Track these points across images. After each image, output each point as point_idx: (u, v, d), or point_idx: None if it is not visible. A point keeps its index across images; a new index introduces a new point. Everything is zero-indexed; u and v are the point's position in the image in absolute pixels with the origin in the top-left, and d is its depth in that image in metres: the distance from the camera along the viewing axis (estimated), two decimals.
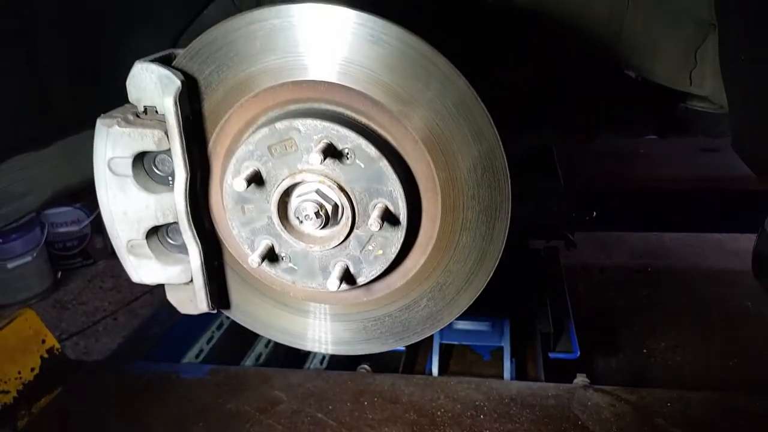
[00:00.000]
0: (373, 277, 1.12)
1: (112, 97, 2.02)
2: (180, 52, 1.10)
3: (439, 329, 1.24)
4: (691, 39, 1.68)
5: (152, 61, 1.05)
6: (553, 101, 1.93)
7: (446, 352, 3.04)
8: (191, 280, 1.16)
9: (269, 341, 3.26)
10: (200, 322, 3.30)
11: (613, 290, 4.65)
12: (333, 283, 1.08)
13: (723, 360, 3.72)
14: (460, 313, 1.20)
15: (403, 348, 3.07)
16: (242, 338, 3.26)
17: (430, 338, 3.06)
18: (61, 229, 5.85)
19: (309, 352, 3.20)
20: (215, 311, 1.22)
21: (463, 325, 2.93)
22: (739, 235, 5.32)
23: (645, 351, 3.97)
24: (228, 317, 3.40)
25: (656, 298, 4.53)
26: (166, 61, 1.07)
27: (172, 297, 1.20)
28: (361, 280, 1.13)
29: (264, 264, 1.11)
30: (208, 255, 1.14)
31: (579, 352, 3.06)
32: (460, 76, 0.99)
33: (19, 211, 1.70)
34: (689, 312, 4.31)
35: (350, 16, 0.99)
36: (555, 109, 1.97)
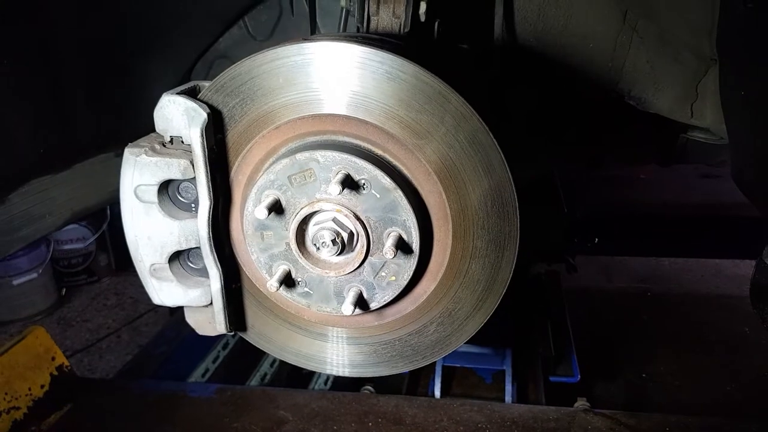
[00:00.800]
0: (385, 303, 1.16)
1: (130, 122, 2.09)
2: (204, 84, 1.15)
3: (447, 354, 1.28)
4: (693, 73, 1.74)
5: (179, 93, 1.10)
6: (557, 130, 1.99)
7: (448, 374, 3.07)
8: (210, 303, 1.20)
9: (274, 361, 3.29)
10: (206, 341, 3.33)
11: (613, 314, 4.68)
12: (348, 307, 1.12)
13: (721, 385, 3.74)
14: (468, 338, 1.24)
15: (406, 370, 3.10)
16: (247, 358, 3.29)
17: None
18: (66, 246, 5.90)
19: (313, 373, 3.23)
20: (232, 333, 1.25)
21: (465, 347, 2.96)
22: (738, 261, 5.37)
23: (644, 375, 3.99)
24: (233, 337, 3.42)
25: (655, 323, 4.57)
26: (191, 93, 1.13)
27: (191, 319, 1.24)
28: (373, 305, 1.17)
29: (281, 288, 1.15)
30: (227, 279, 1.18)
31: (579, 376, 3.08)
32: (473, 112, 1.04)
33: (38, 232, 1.75)
34: (688, 337, 4.34)
35: (368, 54, 1.04)
36: (559, 137, 2.02)
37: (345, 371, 1.30)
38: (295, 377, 3.35)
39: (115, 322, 5.38)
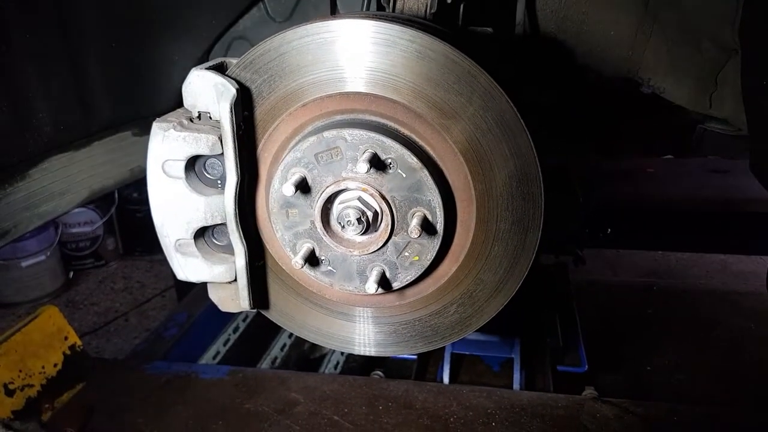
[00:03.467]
0: (407, 282, 1.17)
1: (147, 101, 2.09)
2: (232, 61, 1.15)
3: (466, 335, 1.29)
4: (713, 63, 1.73)
5: (207, 68, 1.10)
6: (575, 120, 1.99)
7: (457, 361, 3.08)
8: (234, 280, 1.21)
9: (284, 345, 3.31)
10: (217, 324, 3.35)
11: (619, 307, 4.68)
12: (371, 286, 1.13)
13: (725, 379, 3.75)
14: (488, 320, 1.25)
15: (415, 356, 3.12)
16: (257, 342, 3.32)
17: (441, 348, 3.11)
18: (74, 230, 5.93)
19: (323, 358, 3.25)
20: (254, 310, 1.26)
21: (474, 335, 2.98)
22: (744, 257, 5.36)
23: (649, 368, 4.00)
24: (243, 321, 3.43)
25: (661, 317, 4.57)
26: (219, 70, 1.13)
27: (214, 295, 1.25)
28: (396, 285, 1.17)
29: (305, 266, 1.16)
30: (251, 256, 1.19)
31: (587, 366, 3.10)
32: (502, 93, 1.04)
33: (57, 209, 1.76)
34: (693, 331, 4.35)
35: (399, 32, 1.05)
36: (576, 128, 2.02)
37: (365, 350, 1.31)
38: (305, 362, 3.38)
39: (122, 305, 5.41)
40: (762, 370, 3.84)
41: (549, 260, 3.90)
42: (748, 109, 1.54)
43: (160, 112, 2.18)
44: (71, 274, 5.96)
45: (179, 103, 2.15)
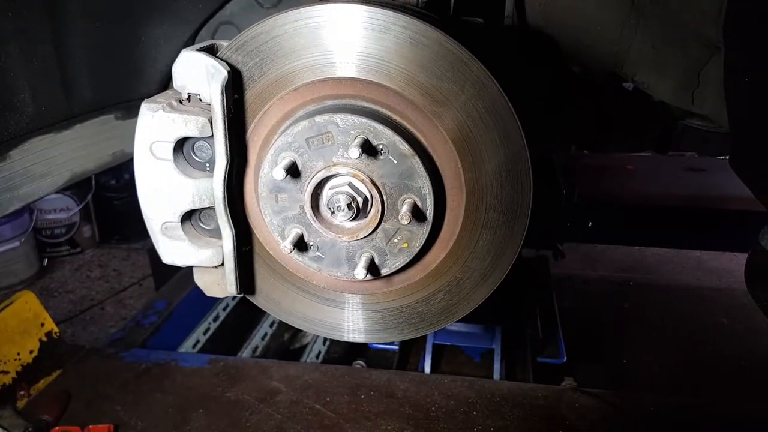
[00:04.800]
0: (396, 269, 1.17)
1: (130, 85, 2.06)
2: (222, 43, 1.14)
3: (452, 322, 1.30)
4: (697, 59, 1.76)
5: (198, 50, 1.09)
6: (561, 113, 2.00)
7: (438, 352, 3.10)
8: (220, 264, 1.20)
9: (265, 335, 3.30)
10: (197, 313, 3.32)
11: (597, 302, 4.76)
12: (360, 272, 1.13)
13: (698, 372, 3.84)
14: (475, 307, 1.26)
15: (397, 347, 3.13)
16: (238, 331, 3.30)
17: (423, 338, 3.12)
18: (50, 216, 5.82)
19: (304, 348, 3.24)
20: (241, 295, 1.26)
21: (455, 326, 3.01)
22: (718, 253, 5.47)
23: (625, 361, 4.07)
24: (224, 310, 3.40)
25: (637, 312, 4.66)
26: (210, 52, 1.12)
27: (199, 280, 1.24)
28: (384, 271, 1.18)
29: (293, 252, 1.16)
30: (238, 240, 1.18)
31: (566, 358, 3.14)
32: (494, 81, 1.05)
33: (37, 192, 1.73)
34: (668, 326, 4.44)
35: (392, 18, 1.04)
36: (562, 120, 2.04)
37: (351, 337, 1.31)
38: (285, 353, 3.37)
39: (98, 294, 5.34)
40: (733, 363, 3.94)
41: (530, 253, 3.94)
42: (729, 105, 1.56)
43: (144, 96, 2.14)
44: (45, 261, 5.85)
45: (163, 88, 2.13)
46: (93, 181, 5.86)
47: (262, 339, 3.26)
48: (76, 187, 5.74)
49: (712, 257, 5.53)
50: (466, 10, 1.59)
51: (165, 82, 2.01)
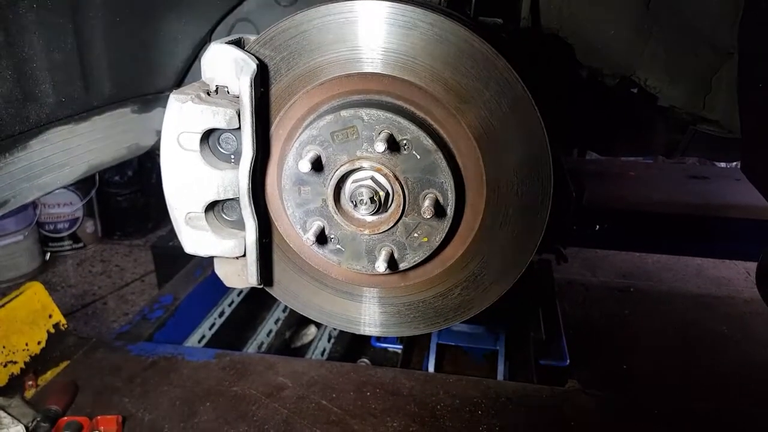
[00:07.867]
0: (415, 263, 1.19)
1: (148, 78, 2.08)
2: (249, 38, 1.16)
3: (468, 318, 1.31)
4: (709, 65, 1.78)
5: (227, 43, 1.11)
6: (572, 115, 2.02)
7: (441, 352, 3.12)
8: (242, 255, 1.21)
9: (270, 331, 3.31)
10: (203, 308, 3.34)
11: (597, 307, 4.79)
12: (381, 265, 1.14)
13: (698, 379, 3.87)
14: (491, 303, 1.28)
15: (401, 346, 3.15)
16: (244, 327, 3.32)
17: (427, 338, 3.14)
18: (53, 210, 5.83)
19: (309, 345, 3.25)
20: (261, 286, 1.27)
21: (460, 327, 3.02)
22: (719, 261, 5.50)
23: (625, 366, 4.09)
24: (229, 306, 3.41)
25: (637, 318, 4.69)
26: (237, 45, 1.14)
27: (220, 270, 1.26)
28: (403, 266, 1.19)
29: (314, 244, 1.17)
30: (260, 232, 1.19)
31: (569, 360, 3.16)
32: (518, 79, 1.07)
33: (56, 182, 1.75)
34: (668, 333, 4.47)
35: (419, 15, 1.06)
36: (573, 123, 2.06)
37: (367, 330, 1.33)
38: (287, 351, 3.38)
39: (100, 289, 5.34)
40: (731, 370, 3.97)
41: (533, 257, 3.95)
42: (742, 111, 1.58)
43: (161, 91, 2.16)
44: (47, 255, 5.86)
45: (180, 83, 2.14)
46: (97, 177, 5.87)
47: (267, 335, 3.28)
48: (80, 182, 5.75)
49: (712, 265, 5.56)
50: (483, 12, 1.61)
51: (182, 77, 2.03)
